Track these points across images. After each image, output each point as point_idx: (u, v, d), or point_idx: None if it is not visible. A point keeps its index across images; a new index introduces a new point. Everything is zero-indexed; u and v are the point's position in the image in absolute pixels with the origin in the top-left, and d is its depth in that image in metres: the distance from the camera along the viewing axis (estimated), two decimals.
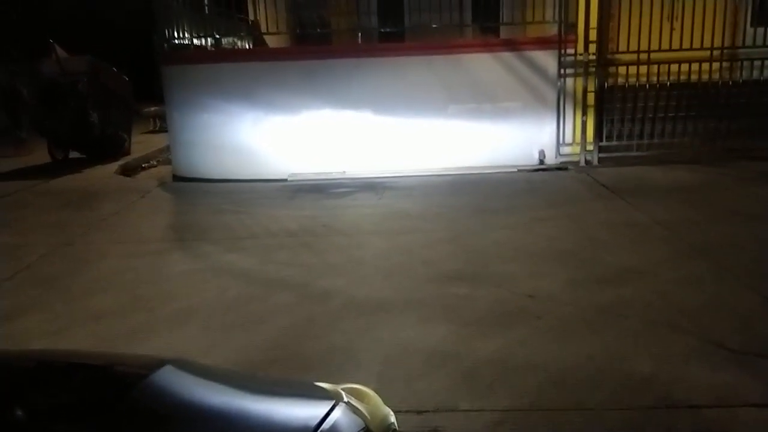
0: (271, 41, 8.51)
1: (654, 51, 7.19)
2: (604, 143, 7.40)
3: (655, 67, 7.23)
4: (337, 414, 1.10)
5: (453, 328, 3.13)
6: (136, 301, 3.73)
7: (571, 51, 7.25)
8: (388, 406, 1.35)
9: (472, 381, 2.62)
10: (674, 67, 7.22)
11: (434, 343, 2.98)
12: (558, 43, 7.23)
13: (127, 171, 9.02)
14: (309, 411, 1.14)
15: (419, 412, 2.41)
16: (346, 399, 1.17)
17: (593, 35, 7.15)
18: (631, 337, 2.95)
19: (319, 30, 7.85)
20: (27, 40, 15.61)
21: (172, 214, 6.32)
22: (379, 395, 1.37)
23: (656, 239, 4.47)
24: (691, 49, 7.13)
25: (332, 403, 1.13)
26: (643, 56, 7.21)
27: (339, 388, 1.24)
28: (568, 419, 2.35)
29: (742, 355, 2.74)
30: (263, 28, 7.99)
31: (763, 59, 7.28)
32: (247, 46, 9.04)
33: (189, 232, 5.36)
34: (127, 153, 10.11)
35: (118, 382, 1.18)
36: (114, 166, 9.01)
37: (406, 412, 2.40)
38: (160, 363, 1.14)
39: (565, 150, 7.45)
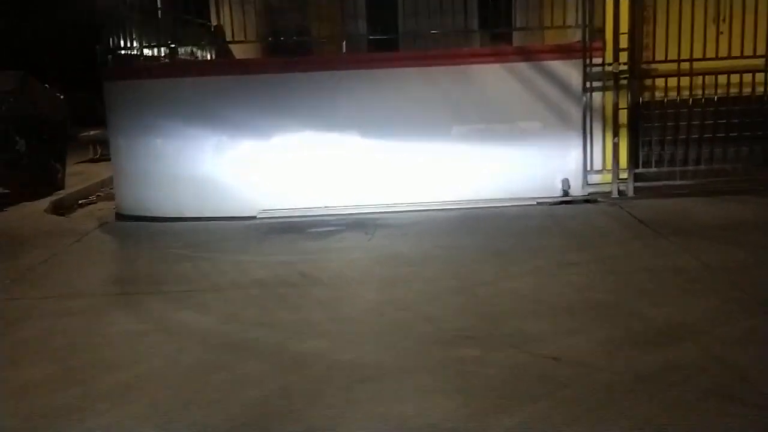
0: (238, 51, 8.64)
1: (698, 60, 7.32)
2: (640, 170, 7.47)
3: (700, 78, 7.35)
4: None
5: (461, 400, 3.11)
6: (69, 371, 3.69)
7: (598, 60, 7.38)
8: None
9: None
10: (722, 79, 7.34)
11: (438, 419, 2.96)
12: (582, 51, 7.36)
13: (61, 209, 9.02)
14: None
15: None
16: None
17: (624, 42, 7.29)
18: (680, 410, 2.94)
19: (295, 38, 7.97)
20: None
21: (115, 261, 6.30)
22: None
23: (708, 288, 4.48)
24: (742, 57, 7.27)
25: None
26: (685, 66, 7.33)
27: None
28: None
29: None
30: (228, 36, 8.11)
31: None
32: (208, 57, 9.17)
33: (135, 284, 5.33)
34: (61, 187, 10.11)
35: None
36: (45, 202, 9.01)
37: None
38: None
39: (594, 178, 7.52)
